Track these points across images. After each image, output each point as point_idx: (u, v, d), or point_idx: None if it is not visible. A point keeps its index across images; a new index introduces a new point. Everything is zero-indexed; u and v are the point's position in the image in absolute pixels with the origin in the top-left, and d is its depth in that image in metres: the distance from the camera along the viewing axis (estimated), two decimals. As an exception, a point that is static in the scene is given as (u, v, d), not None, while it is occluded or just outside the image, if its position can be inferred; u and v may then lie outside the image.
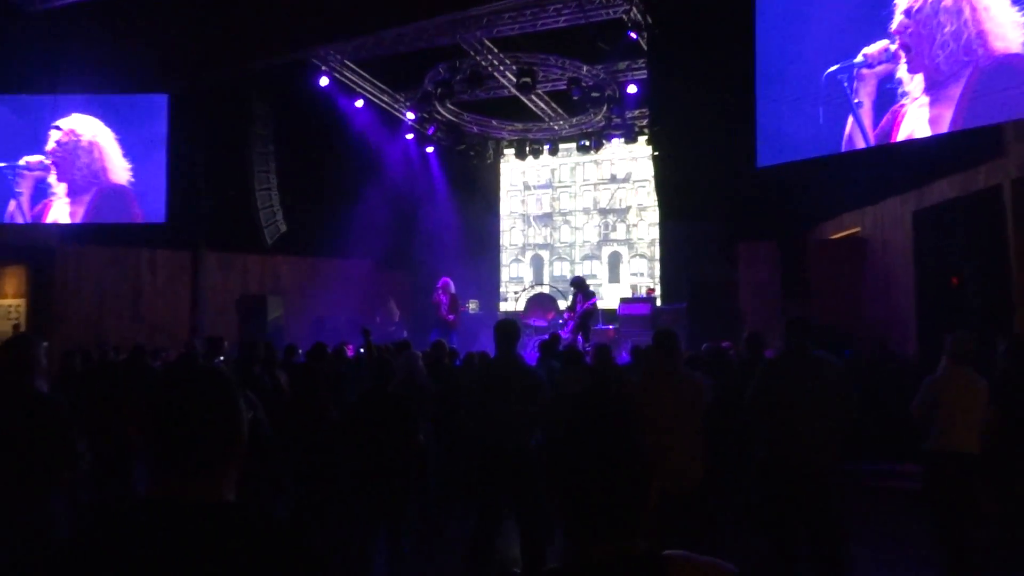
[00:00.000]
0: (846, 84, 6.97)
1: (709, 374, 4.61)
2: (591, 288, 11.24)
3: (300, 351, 6.86)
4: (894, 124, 6.60)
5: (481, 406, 3.57)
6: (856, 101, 6.95)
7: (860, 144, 6.94)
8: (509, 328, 3.69)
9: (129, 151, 10.47)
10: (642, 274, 14.12)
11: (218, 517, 1.08)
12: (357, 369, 6.04)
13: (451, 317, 10.18)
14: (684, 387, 3.50)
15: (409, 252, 13.82)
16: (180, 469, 1.11)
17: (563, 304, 11.71)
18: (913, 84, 6.42)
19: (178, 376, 1.16)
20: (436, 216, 13.74)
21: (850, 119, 7.02)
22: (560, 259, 14.83)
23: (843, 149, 7.09)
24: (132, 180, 10.42)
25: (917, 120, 6.37)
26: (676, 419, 3.39)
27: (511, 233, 15.30)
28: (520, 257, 15.19)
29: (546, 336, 9.99)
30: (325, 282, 12.86)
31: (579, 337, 9.58)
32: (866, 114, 6.89)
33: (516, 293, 13.97)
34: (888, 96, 6.66)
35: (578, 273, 14.37)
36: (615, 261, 14.33)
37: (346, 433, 3.82)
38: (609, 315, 12.25)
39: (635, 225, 14.21)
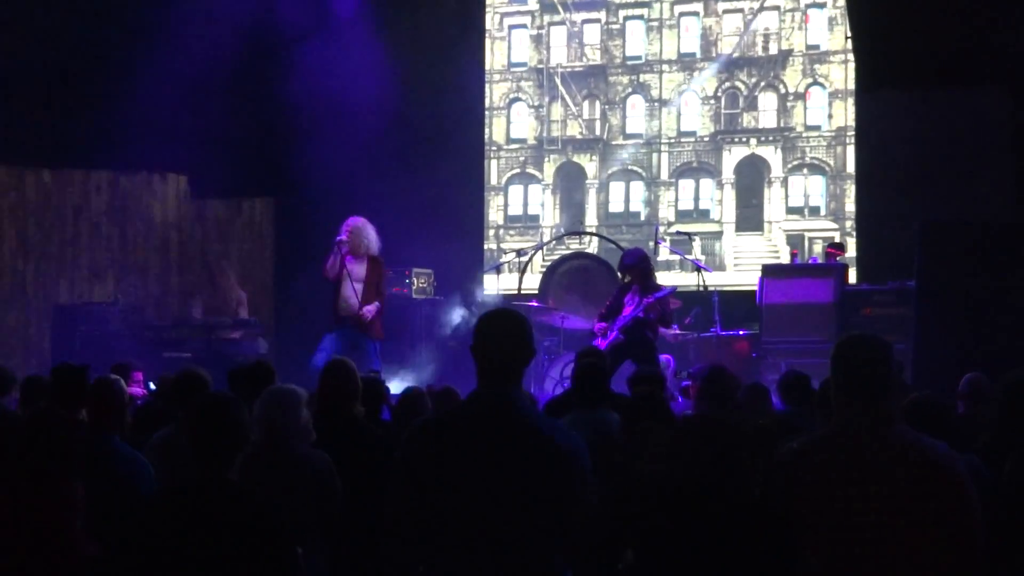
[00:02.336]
0: None
1: (961, 442, 4.57)
2: (654, 273, 11.22)
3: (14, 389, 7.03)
4: None
5: (434, 523, 3.66)
6: None
7: None
8: (506, 331, 3.82)
9: None
10: (816, 211, 14.11)
11: None
12: (153, 424, 6.30)
13: (371, 308, 10.47)
14: (910, 474, 3.49)
15: (273, 157, 13.81)
16: None
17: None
18: None
19: None
20: (333, 75, 13.54)
21: None
22: (624, 173, 14.85)
23: None
24: None
25: None
26: (896, 554, 3.44)
27: (510, 115, 15.35)
28: (532, 170, 15.21)
29: (597, 346, 10.09)
30: (73, 225, 12.95)
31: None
32: None
33: (522, 253, 13.89)
34: None
35: (666, 206, 14.40)
36: (752, 180, 14.37)
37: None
38: (737, 302, 12.35)
39: (799, 95, 14.14)
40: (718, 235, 14.33)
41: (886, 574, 3.45)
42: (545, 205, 15.09)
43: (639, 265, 10.30)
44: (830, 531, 3.46)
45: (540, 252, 14.24)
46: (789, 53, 14.23)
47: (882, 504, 3.46)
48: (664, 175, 14.62)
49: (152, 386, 8.04)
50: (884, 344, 3.69)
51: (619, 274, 10.64)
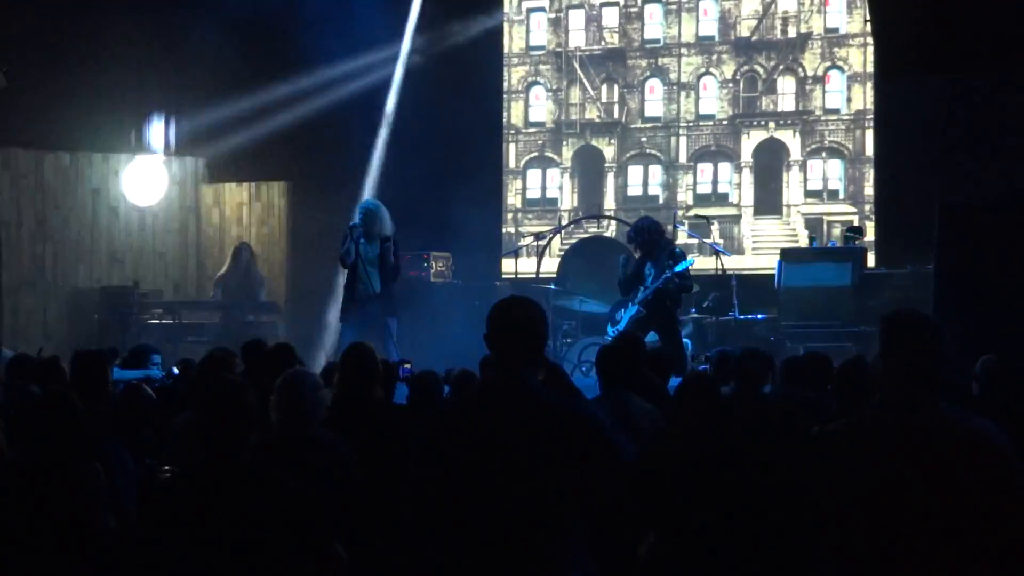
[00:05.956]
0: None
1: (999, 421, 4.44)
2: (677, 244, 11.41)
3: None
4: None
5: (453, 507, 3.68)
6: None
7: None
8: (518, 320, 3.83)
9: None
10: (835, 194, 14.10)
11: None
12: (171, 408, 6.37)
13: (385, 287, 10.54)
14: (958, 453, 3.47)
15: (289, 141, 13.90)
16: None
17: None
18: None
19: None
20: (349, 59, 13.68)
21: None
22: (643, 156, 14.86)
23: None
24: None
25: None
26: (944, 533, 3.42)
27: (528, 99, 15.35)
28: (550, 153, 15.21)
29: (616, 328, 10.16)
30: (92, 208, 13.11)
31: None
32: None
33: (541, 237, 14.03)
34: None
35: (684, 190, 14.36)
36: (771, 163, 14.34)
37: (142, 558, 3.97)
38: (756, 286, 12.32)
39: (817, 78, 14.19)
40: (736, 219, 14.30)
41: (935, 552, 3.37)
42: (563, 189, 15.06)
43: (639, 236, 10.35)
44: (876, 510, 3.40)
45: (558, 236, 14.21)
46: (808, 36, 14.16)
47: (930, 482, 3.39)
48: (682, 159, 14.60)
49: (175, 370, 8.02)
50: (934, 320, 3.62)
51: (632, 243, 10.61)
